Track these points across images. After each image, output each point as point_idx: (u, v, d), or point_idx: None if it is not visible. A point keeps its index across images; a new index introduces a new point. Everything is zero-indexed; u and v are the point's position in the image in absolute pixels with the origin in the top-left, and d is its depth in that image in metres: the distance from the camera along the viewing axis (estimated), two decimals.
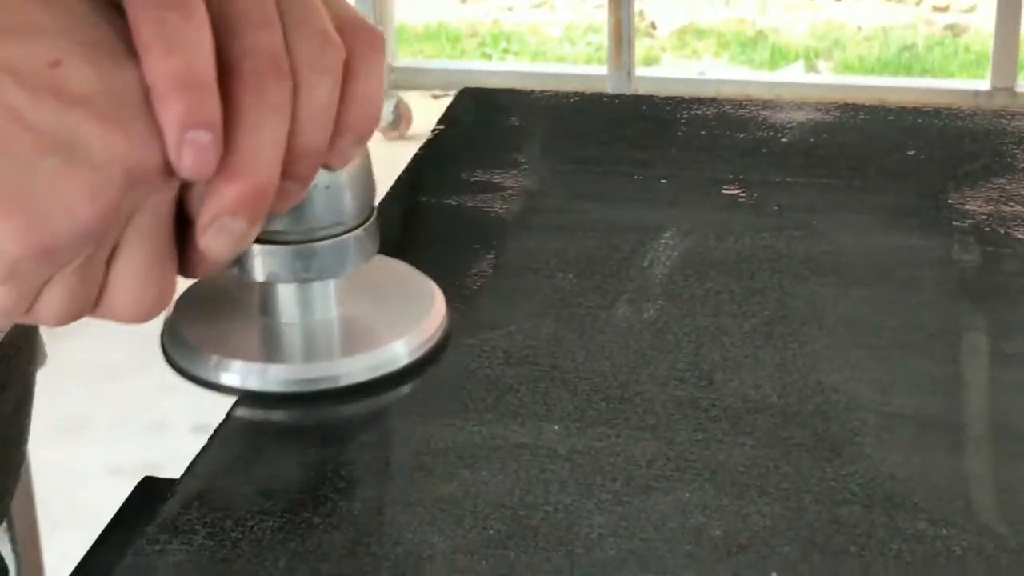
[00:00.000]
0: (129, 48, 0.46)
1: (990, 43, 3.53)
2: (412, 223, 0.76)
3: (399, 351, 0.62)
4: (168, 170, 0.46)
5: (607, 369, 0.62)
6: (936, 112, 0.86)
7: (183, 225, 0.50)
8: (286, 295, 0.61)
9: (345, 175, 0.57)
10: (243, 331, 0.62)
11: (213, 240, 0.49)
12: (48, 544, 1.61)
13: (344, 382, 0.60)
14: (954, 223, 0.74)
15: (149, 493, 0.60)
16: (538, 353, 0.64)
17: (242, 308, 0.63)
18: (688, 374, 0.62)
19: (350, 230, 0.59)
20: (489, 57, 4.10)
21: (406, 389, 0.62)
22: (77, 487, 2.14)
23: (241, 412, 0.60)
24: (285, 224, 0.58)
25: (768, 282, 0.69)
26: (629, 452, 0.57)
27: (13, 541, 1.56)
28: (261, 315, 0.62)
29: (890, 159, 0.81)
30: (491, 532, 0.53)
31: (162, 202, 0.48)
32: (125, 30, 0.46)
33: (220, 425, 0.60)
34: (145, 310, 0.50)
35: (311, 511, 0.54)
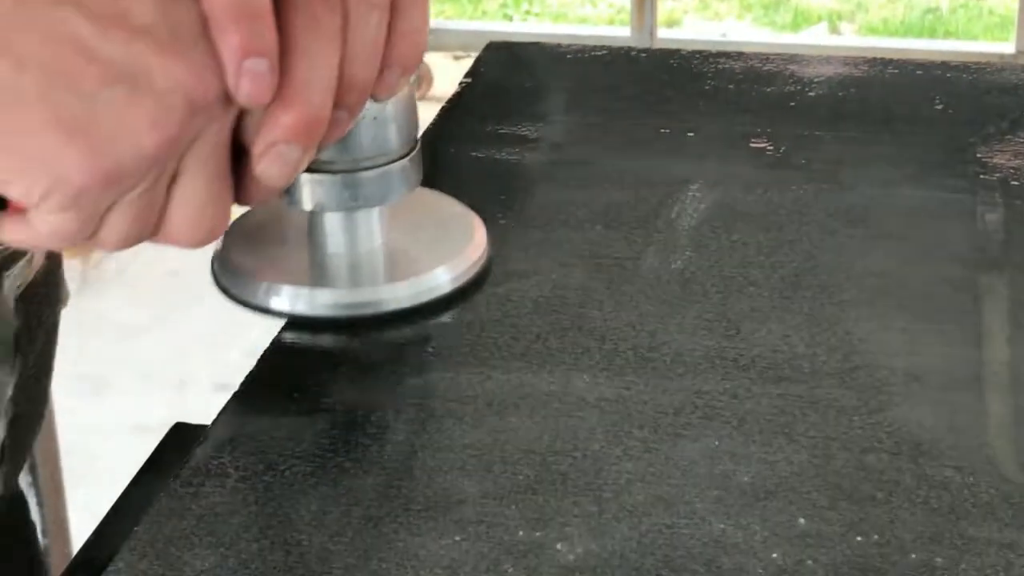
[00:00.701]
0: None
1: (1015, 6, 3.50)
2: (439, 175, 0.76)
3: (442, 278, 0.63)
4: (226, 98, 0.48)
5: (635, 319, 0.63)
6: (964, 67, 0.86)
7: (238, 154, 0.51)
8: (333, 224, 0.63)
9: (391, 107, 0.59)
10: (291, 259, 0.64)
11: (268, 167, 0.51)
12: (72, 498, 1.62)
13: (388, 307, 0.62)
14: (981, 177, 0.74)
15: (181, 439, 0.60)
16: (566, 303, 0.64)
17: (290, 238, 0.65)
18: (716, 324, 0.62)
19: (395, 160, 0.61)
20: (510, 18, 4.09)
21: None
22: (100, 443, 2.15)
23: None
24: (332, 154, 0.59)
25: (795, 234, 0.69)
26: (657, 400, 0.58)
27: (38, 495, 1.57)
28: (309, 244, 0.64)
29: (918, 113, 0.81)
30: (520, 478, 0.54)
31: (220, 130, 0.49)
32: None
33: (262, 355, 0.61)
34: (202, 235, 0.51)
35: (343, 456, 0.55)
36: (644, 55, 0.90)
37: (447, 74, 3.37)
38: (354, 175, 0.60)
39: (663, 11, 3.78)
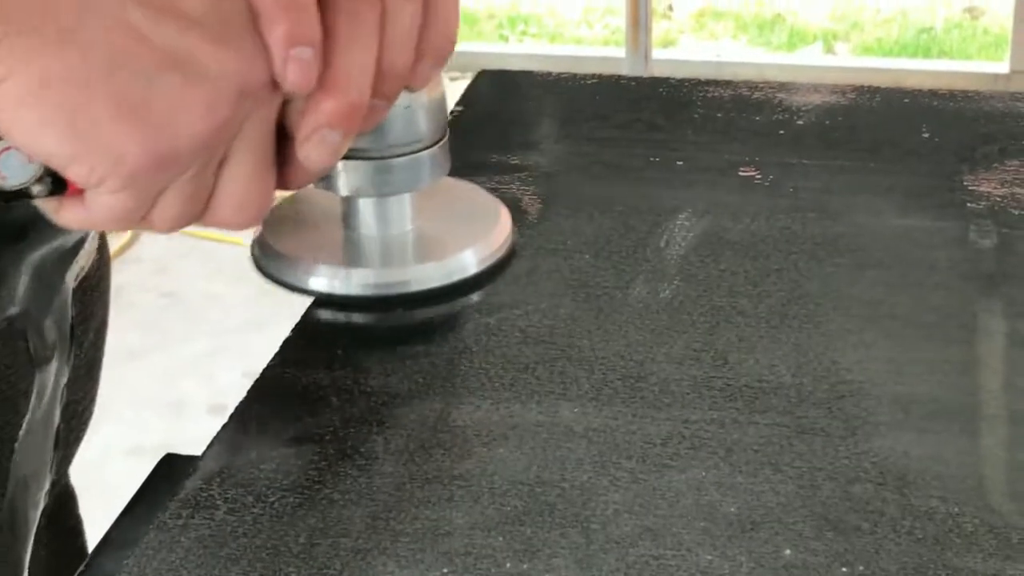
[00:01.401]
0: None
1: (1009, 25, 3.52)
2: None
3: (468, 260, 0.67)
4: (273, 85, 0.51)
5: (623, 348, 0.63)
6: (952, 95, 0.86)
7: (281, 141, 0.54)
8: (366, 209, 0.67)
9: (423, 97, 0.63)
10: (327, 242, 0.68)
11: (312, 151, 0.53)
12: None
13: (417, 287, 0.66)
14: (969, 205, 0.74)
15: (170, 470, 0.61)
16: (555, 332, 0.64)
17: (324, 223, 0.69)
18: (703, 354, 0.63)
19: (426, 147, 0.65)
20: (506, 39, 4.10)
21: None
22: (96, 467, 2.15)
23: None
24: (368, 142, 0.63)
25: (783, 263, 0.69)
26: (644, 431, 0.58)
27: None
28: (343, 229, 0.68)
29: (906, 141, 0.81)
30: (508, 508, 0.54)
31: (266, 117, 0.52)
32: None
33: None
34: (248, 216, 0.54)
35: (331, 487, 0.55)
36: (634, 83, 0.90)
37: None
38: (387, 161, 0.64)
39: (658, 32, 3.79)
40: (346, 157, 0.62)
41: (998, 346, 0.64)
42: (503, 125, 0.86)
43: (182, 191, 0.51)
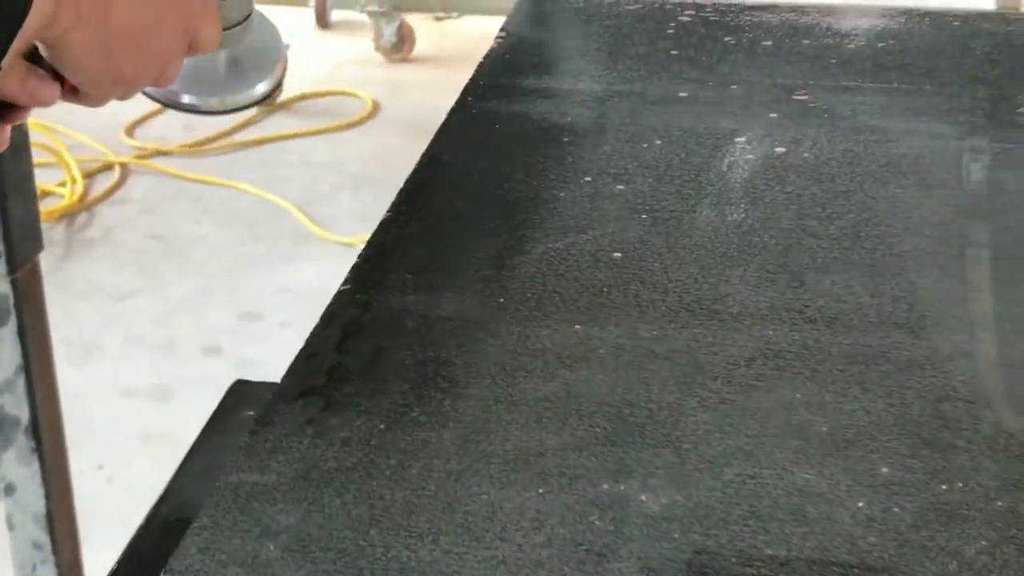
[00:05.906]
0: None
1: None
2: (484, 131, 0.75)
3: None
4: None
5: (696, 271, 0.62)
6: (1002, 16, 0.86)
7: None
8: None
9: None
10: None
11: None
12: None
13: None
14: None
15: (241, 397, 0.60)
16: (625, 256, 0.63)
17: None
18: (778, 276, 0.62)
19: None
20: None
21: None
22: (90, 408, 2.13)
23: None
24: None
25: (849, 185, 0.69)
26: (727, 352, 0.57)
27: (41, 460, 1.56)
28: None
29: (959, 63, 0.80)
30: (598, 430, 0.53)
31: None
32: None
33: (327, 309, 0.60)
34: None
35: (417, 410, 0.54)
36: (679, 8, 0.89)
37: (428, 35, 3.35)
38: None
39: None
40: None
41: None
42: (549, 51, 0.85)
43: None
